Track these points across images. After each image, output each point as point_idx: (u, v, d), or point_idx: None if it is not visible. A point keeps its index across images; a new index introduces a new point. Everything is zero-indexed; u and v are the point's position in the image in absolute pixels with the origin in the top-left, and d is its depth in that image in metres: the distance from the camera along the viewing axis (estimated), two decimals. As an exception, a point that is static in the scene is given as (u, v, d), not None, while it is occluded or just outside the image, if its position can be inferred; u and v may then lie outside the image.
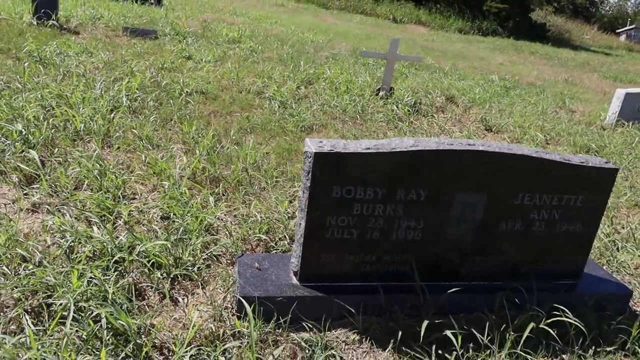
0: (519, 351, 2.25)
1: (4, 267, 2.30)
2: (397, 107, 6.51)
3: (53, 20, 7.99)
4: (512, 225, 2.54)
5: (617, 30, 41.96)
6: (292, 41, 11.01)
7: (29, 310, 2.10)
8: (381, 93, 6.88)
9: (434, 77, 9.61)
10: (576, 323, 2.36)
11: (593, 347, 2.38)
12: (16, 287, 2.18)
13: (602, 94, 11.80)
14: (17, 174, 3.20)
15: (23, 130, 3.62)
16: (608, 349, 2.39)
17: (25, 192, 3.06)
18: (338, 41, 13.05)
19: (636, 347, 2.42)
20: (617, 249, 3.52)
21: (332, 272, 2.43)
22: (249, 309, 2.11)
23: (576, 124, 7.69)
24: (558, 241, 2.64)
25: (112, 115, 4.41)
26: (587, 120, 8.24)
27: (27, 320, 1.99)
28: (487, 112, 7.30)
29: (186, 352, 1.95)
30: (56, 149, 3.62)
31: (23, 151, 3.45)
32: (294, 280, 2.44)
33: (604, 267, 3.21)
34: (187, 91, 5.58)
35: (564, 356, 2.35)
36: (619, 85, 13.67)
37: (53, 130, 3.89)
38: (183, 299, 2.39)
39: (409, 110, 6.51)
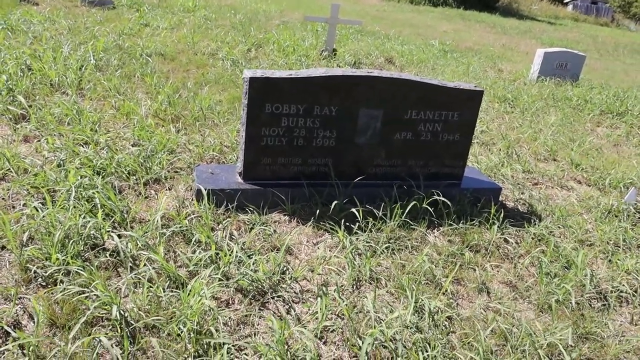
0: (405, 219, 3.09)
1: (13, 173, 2.98)
2: (338, 66, 7.27)
3: (12, -9, 8.36)
4: (405, 135, 3.37)
5: (565, 1, 43.61)
6: (245, 10, 11.58)
7: (38, 200, 2.80)
8: (324, 54, 7.62)
9: (378, 42, 10.39)
10: (447, 202, 3.22)
11: (463, 221, 3.25)
12: (24, 185, 2.87)
13: (532, 56, 12.83)
14: (7, 114, 3.82)
15: (7, 80, 4.23)
16: (473, 221, 3.26)
17: (16, 128, 3.70)
18: (290, 11, 13.65)
19: (495, 221, 3.30)
20: (502, 165, 4.42)
21: (267, 172, 3.21)
22: (204, 191, 2.88)
23: (501, 80, 8.63)
24: (442, 148, 3.48)
25: (82, 71, 5.03)
26: (513, 77, 9.21)
27: (36, 202, 2.69)
28: (421, 70, 8.15)
29: (158, 221, 2.69)
30: (37, 97, 4.24)
31: (9, 98, 4.07)
32: (239, 179, 3.21)
33: (489, 177, 4.08)
34: (147, 52, 6.19)
35: (441, 228, 3.20)
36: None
37: (32, 83, 4.49)
38: (154, 195, 3.13)
39: (349, 68, 7.27)
